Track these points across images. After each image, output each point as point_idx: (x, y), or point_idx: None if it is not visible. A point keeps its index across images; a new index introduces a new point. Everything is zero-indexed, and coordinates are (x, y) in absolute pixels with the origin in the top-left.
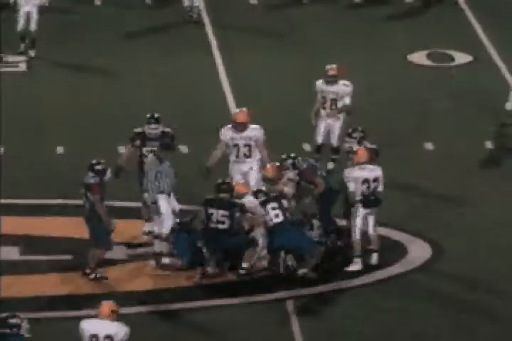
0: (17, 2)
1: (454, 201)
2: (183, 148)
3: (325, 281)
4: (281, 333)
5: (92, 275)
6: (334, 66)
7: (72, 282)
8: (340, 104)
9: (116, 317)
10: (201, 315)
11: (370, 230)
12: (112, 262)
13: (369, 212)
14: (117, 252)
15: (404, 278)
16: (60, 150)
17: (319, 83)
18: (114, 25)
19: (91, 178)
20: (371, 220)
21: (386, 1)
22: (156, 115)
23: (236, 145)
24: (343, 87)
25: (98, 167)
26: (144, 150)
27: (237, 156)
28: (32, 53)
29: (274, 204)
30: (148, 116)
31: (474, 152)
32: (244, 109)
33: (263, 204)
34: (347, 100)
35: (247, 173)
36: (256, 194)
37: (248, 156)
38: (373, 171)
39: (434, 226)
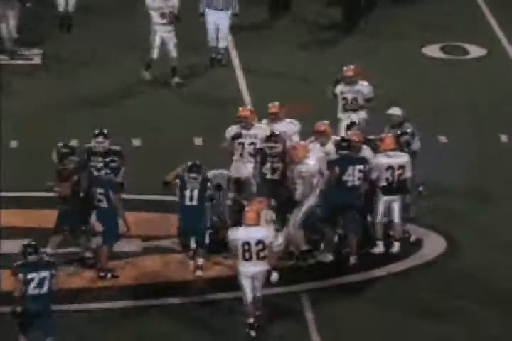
0: None
1: (469, 195)
2: (198, 141)
3: (339, 274)
4: (296, 326)
5: (104, 275)
6: (351, 67)
7: (84, 275)
8: (360, 103)
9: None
10: (219, 305)
11: (395, 218)
12: (127, 255)
13: (393, 199)
14: (132, 245)
15: (417, 271)
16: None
17: (339, 86)
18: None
19: (108, 175)
20: (396, 207)
21: None
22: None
23: (241, 143)
24: (362, 87)
25: (113, 164)
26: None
27: (242, 155)
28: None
29: (361, 167)
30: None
31: (489, 145)
32: (249, 106)
33: (349, 162)
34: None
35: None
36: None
37: (253, 155)
38: (399, 158)
39: (448, 220)
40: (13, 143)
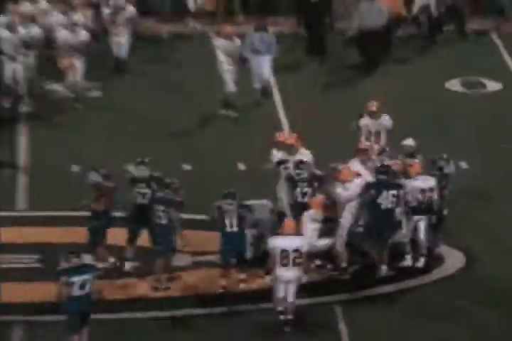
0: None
1: (484, 206)
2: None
3: (369, 286)
4: (328, 336)
5: (158, 287)
6: (375, 103)
7: (139, 285)
8: (383, 136)
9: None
10: (261, 315)
11: (421, 235)
12: (179, 269)
13: (421, 218)
14: (183, 260)
15: (443, 283)
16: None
17: (363, 119)
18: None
19: (171, 195)
20: (422, 226)
21: (428, 36)
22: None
23: (286, 168)
24: (385, 121)
25: (175, 185)
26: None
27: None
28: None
29: (395, 192)
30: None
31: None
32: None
33: (384, 187)
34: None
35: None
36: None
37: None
38: (429, 181)
39: (466, 231)
40: (75, 168)
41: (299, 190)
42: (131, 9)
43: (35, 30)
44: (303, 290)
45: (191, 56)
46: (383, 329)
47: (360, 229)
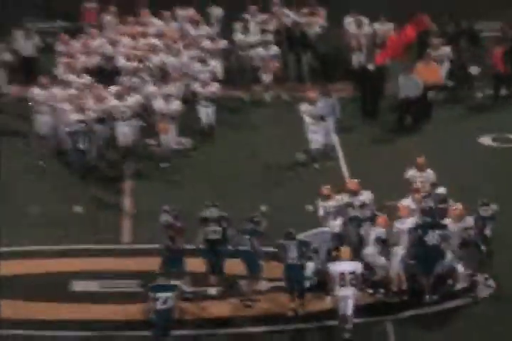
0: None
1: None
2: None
3: (417, 307)
4: None
5: (250, 305)
6: (422, 158)
7: (231, 304)
8: (427, 186)
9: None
10: (327, 331)
11: (459, 266)
12: (259, 292)
13: (462, 252)
14: (263, 285)
15: (487, 304)
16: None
17: (410, 171)
18: None
19: (253, 227)
20: (461, 258)
21: (460, 99)
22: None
23: (352, 206)
24: (429, 174)
25: (257, 219)
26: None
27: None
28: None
29: (440, 232)
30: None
31: None
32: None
33: (430, 227)
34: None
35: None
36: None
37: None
38: (467, 222)
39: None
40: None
41: (361, 227)
42: (216, 85)
43: (137, 99)
44: (359, 311)
45: (269, 119)
46: None
47: (411, 261)
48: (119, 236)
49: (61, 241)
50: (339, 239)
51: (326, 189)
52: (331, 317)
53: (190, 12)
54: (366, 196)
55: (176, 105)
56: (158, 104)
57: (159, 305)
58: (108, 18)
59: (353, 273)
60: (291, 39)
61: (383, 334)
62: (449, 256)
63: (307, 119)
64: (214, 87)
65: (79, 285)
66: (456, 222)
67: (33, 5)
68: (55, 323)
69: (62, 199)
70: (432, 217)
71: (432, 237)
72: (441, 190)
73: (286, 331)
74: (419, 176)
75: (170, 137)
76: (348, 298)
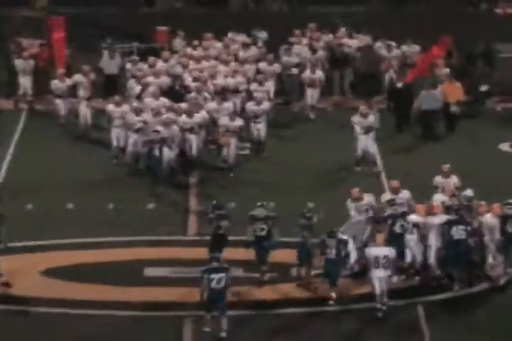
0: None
1: None
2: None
3: (450, 290)
4: (411, 335)
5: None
6: (447, 165)
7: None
8: (453, 190)
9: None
10: (347, 316)
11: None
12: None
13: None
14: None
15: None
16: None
17: (437, 177)
18: None
19: (306, 222)
20: (491, 250)
21: (479, 113)
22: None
23: (394, 204)
24: (454, 180)
25: (308, 214)
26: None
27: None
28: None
29: (463, 227)
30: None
31: None
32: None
33: (455, 223)
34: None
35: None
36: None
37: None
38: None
39: None
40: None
41: (398, 223)
42: (269, 104)
43: (203, 115)
44: (391, 294)
45: (315, 130)
46: (462, 330)
47: (442, 254)
48: (186, 229)
49: (137, 232)
50: (374, 226)
51: (356, 191)
52: (368, 299)
53: (242, 37)
54: (405, 194)
55: (239, 121)
56: (223, 121)
57: (214, 285)
58: (177, 41)
59: (386, 257)
60: (334, 58)
61: (415, 317)
62: (491, 247)
63: (357, 129)
64: (267, 105)
65: (151, 271)
66: (495, 217)
67: (112, 28)
68: (130, 305)
69: (138, 198)
70: (459, 215)
71: (456, 232)
72: (468, 192)
73: (328, 312)
74: (445, 182)
75: (232, 150)
76: (381, 279)
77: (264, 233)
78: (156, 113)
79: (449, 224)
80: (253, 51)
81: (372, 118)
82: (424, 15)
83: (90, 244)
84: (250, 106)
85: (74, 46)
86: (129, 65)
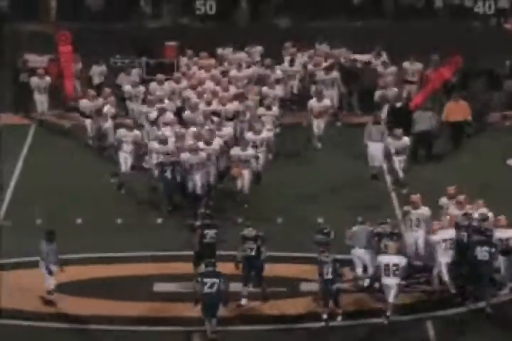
0: None
1: None
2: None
3: (460, 305)
4: None
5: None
6: (453, 187)
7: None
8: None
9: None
10: (356, 330)
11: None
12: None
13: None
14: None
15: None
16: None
17: (443, 199)
18: None
19: (323, 239)
20: (502, 265)
21: (487, 127)
22: None
23: (410, 219)
24: (461, 198)
25: (326, 230)
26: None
27: (410, 226)
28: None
29: (487, 248)
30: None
31: None
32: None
33: (478, 244)
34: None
35: (418, 238)
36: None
37: (417, 226)
38: (507, 233)
39: None
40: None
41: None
42: (270, 134)
43: (219, 142)
44: (401, 308)
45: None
46: None
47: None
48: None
49: (145, 248)
50: (389, 236)
51: (416, 197)
52: (377, 315)
53: (242, 55)
54: (424, 209)
55: (251, 151)
56: (235, 151)
57: (207, 289)
58: (185, 60)
59: (397, 265)
60: (343, 73)
61: (424, 332)
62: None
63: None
64: (266, 134)
65: (160, 287)
66: (503, 232)
67: (118, 42)
68: (138, 320)
69: (147, 212)
70: (482, 234)
71: (480, 253)
72: (483, 210)
73: (337, 327)
74: (449, 203)
75: (245, 181)
76: (391, 286)
77: (253, 253)
78: (180, 138)
79: (473, 244)
80: (252, 70)
81: (406, 140)
82: (431, 30)
83: (99, 259)
84: (250, 135)
85: (82, 61)
86: (128, 87)
